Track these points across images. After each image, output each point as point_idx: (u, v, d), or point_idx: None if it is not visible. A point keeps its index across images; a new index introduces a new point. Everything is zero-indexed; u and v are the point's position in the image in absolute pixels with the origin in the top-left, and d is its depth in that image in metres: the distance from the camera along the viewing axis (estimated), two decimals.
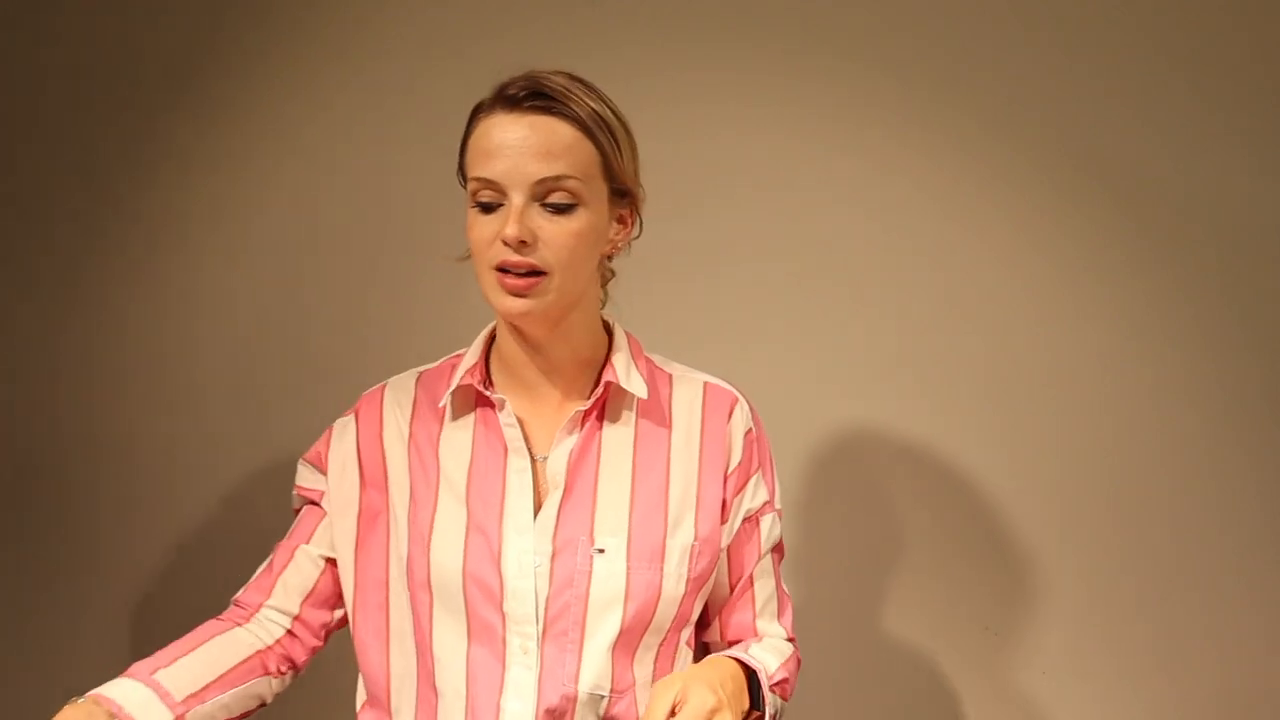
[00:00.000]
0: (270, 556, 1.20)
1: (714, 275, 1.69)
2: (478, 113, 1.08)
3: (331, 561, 1.17)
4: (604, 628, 1.08)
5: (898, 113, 1.66)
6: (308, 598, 1.17)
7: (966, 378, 1.66)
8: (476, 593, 1.08)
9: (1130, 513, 1.64)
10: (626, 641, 1.09)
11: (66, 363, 1.79)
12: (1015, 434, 1.66)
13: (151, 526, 1.78)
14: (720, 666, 1.08)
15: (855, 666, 1.69)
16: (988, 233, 1.66)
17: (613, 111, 1.09)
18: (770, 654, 1.16)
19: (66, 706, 1.01)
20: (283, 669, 1.16)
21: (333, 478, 1.17)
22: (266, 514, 1.74)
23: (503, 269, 1.04)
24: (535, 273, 1.04)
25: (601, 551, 1.09)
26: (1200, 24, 1.60)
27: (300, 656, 1.18)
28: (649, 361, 1.19)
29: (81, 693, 1.04)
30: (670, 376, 1.19)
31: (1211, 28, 1.60)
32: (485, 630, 1.09)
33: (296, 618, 1.17)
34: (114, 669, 1.08)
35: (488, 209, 1.05)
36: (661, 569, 1.10)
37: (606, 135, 1.07)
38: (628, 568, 1.09)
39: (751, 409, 1.19)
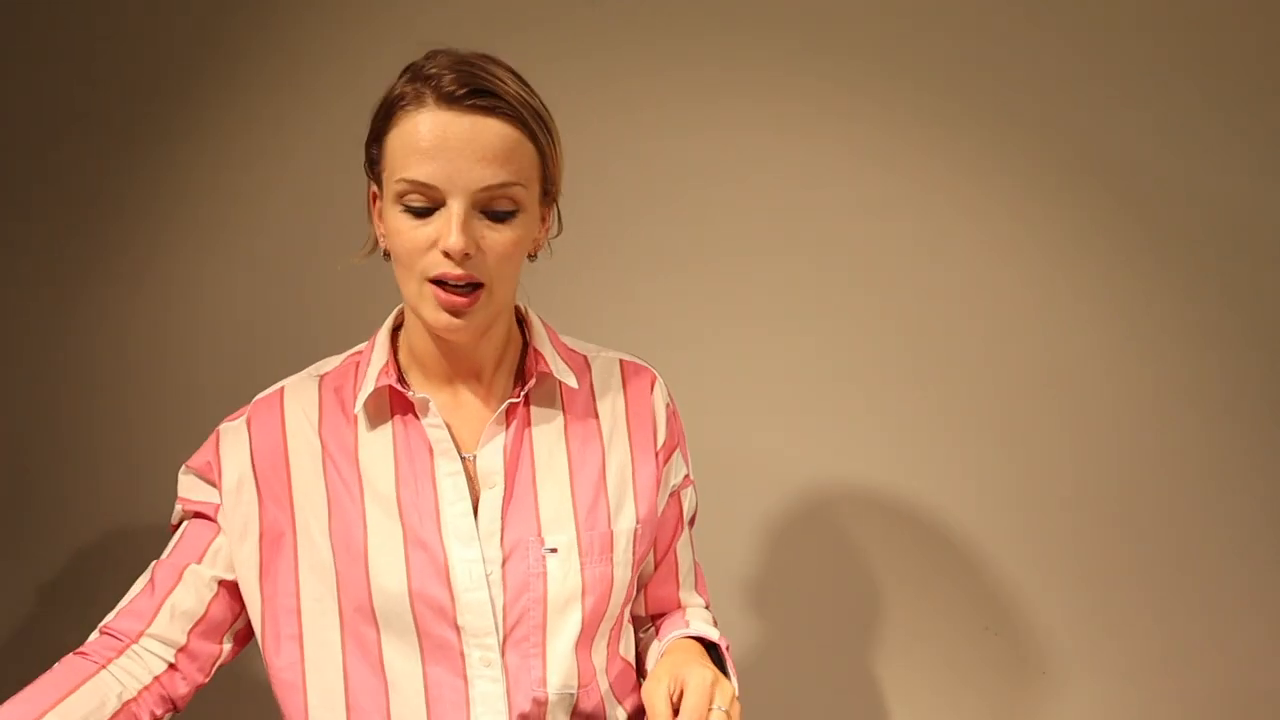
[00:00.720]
0: (148, 577, 1.05)
1: (712, 274, 1.69)
2: (400, 103, 0.97)
3: (226, 585, 1.05)
4: (565, 627, 1.04)
5: (898, 112, 1.66)
6: (196, 626, 1.03)
7: (966, 377, 1.66)
8: (426, 611, 1.01)
9: (1130, 512, 1.64)
10: (586, 636, 1.06)
11: (66, 366, 1.78)
12: (1015, 433, 1.66)
13: (151, 530, 1.77)
14: (689, 649, 1.06)
15: (854, 666, 1.69)
16: (988, 233, 1.66)
17: (541, 103, 1.00)
18: (708, 626, 1.15)
19: None
20: (158, 711, 1.02)
21: (228, 493, 1.04)
22: None
23: (439, 281, 0.96)
24: (473, 285, 0.96)
25: (554, 551, 1.04)
26: (1202, 23, 1.60)
27: (181, 692, 1.04)
28: (565, 346, 1.13)
29: None
30: (585, 358, 1.13)
31: (1213, 27, 1.60)
32: (440, 648, 1.02)
33: (182, 649, 1.03)
34: None
35: (419, 213, 0.96)
36: (611, 559, 1.06)
37: (545, 134, 0.99)
38: (581, 564, 1.05)
39: (665, 384, 1.16)
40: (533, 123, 0.98)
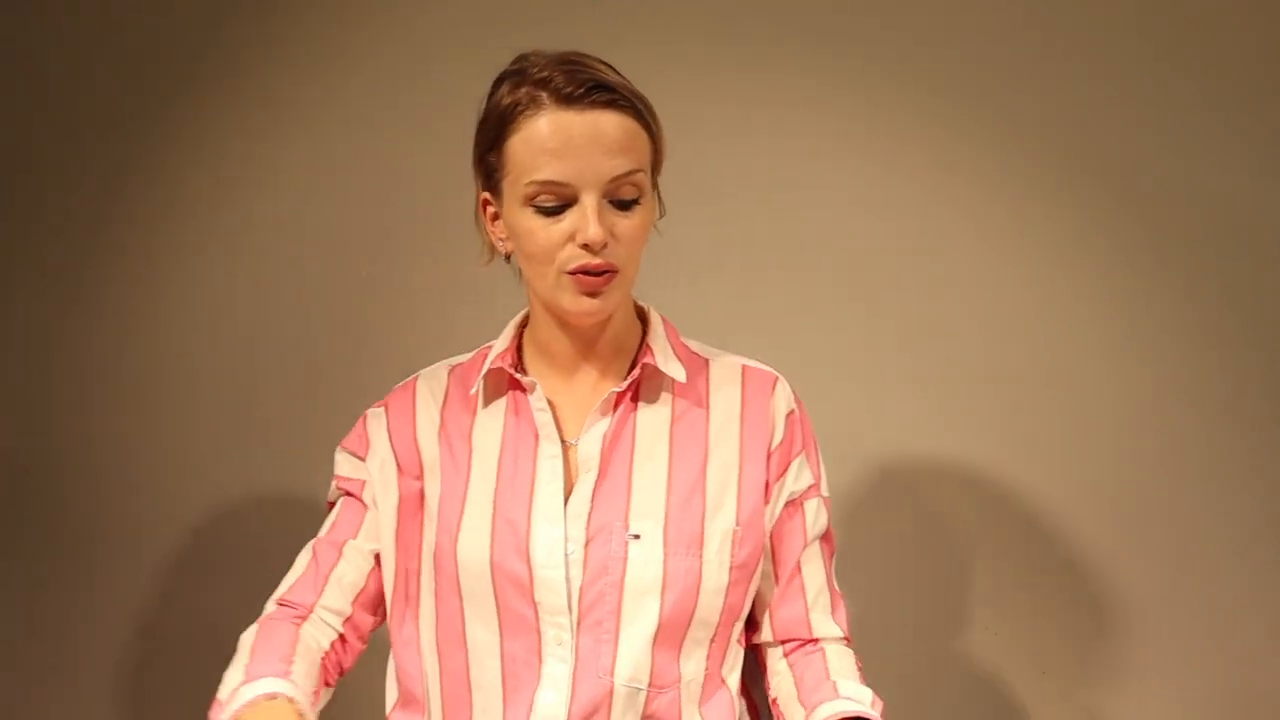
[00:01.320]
0: (310, 554, 1.13)
1: (712, 274, 1.69)
2: (515, 110, 1.02)
3: (378, 558, 1.12)
4: (641, 617, 1.04)
5: (898, 112, 1.66)
6: (358, 596, 1.11)
7: (965, 377, 1.66)
8: (506, 585, 1.05)
9: (1130, 512, 1.64)
10: (669, 634, 1.05)
11: (63, 370, 1.78)
12: (1015, 433, 1.66)
13: (149, 534, 1.77)
14: None
15: None
16: (988, 233, 1.66)
17: (640, 90, 1.06)
18: (853, 682, 1.09)
19: (263, 702, 0.96)
20: (332, 675, 1.10)
21: (372, 469, 1.13)
22: (265, 519, 1.74)
23: (578, 272, 1.01)
24: (610, 270, 1.02)
25: (637, 537, 1.04)
26: (1202, 23, 1.60)
27: (348, 663, 1.12)
28: (685, 346, 1.15)
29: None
30: (706, 360, 1.15)
31: (1213, 27, 1.60)
32: (518, 623, 1.05)
33: (348, 619, 1.11)
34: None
35: (550, 211, 1.01)
36: (701, 555, 1.05)
37: (652, 119, 1.05)
38: (665, 554, 1.04)
39: (793, 390, 1.15)
40: (643, 110, 1.04)
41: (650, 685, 1.05)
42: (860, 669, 1.15)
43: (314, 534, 1.16)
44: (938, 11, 1.64)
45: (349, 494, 1.15)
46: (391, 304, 1.74)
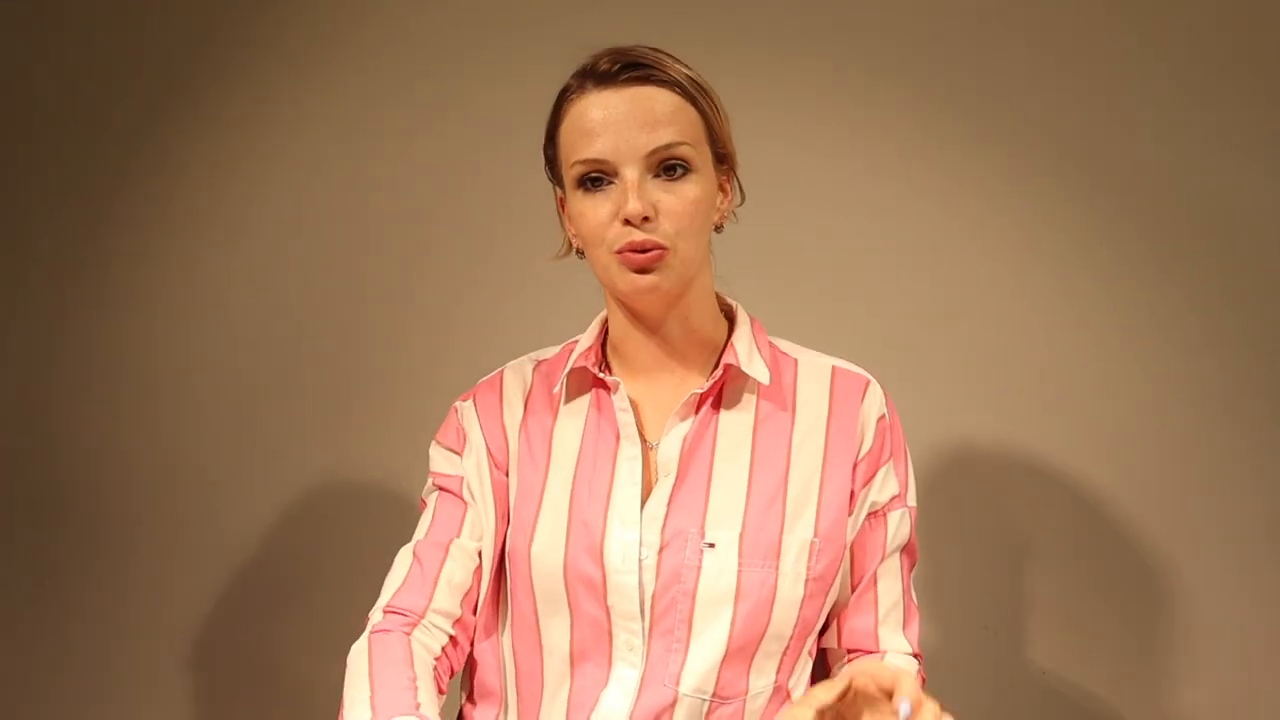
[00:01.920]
0: (410, 557, 1.08)
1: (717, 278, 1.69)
2: (564, 96, 1.04)
3: (482, 556, 1.08)
4: (713, 627, 1.01)
5: (898, 116, 1.66)
6: (465, 597, 1.07)
7: (965, 378, 1.66)
8: (579, 586, 1.03)
9: (1130, 512, 1.64)
10: (742, 646, 1.02)
11: (62, 370, 1.78)
12: (1014, 434, 1.66)
13: (148, 536, 1.77)
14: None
15: None
16: (987, 235, 1.66)
17: (698, 74, 1.06)
18: (907, 660, 1.09)
19: None
20: (444, 688, 1.05)
21: (468, 464, 1.10)
22: (265, 519, 1.74)
23: (627, 250, 0.99)
24: (657, 248, 1.00)
25: (712, 546, 1.02)
26: (1201, 26, 1.60)
27: (458, 666, 1.08)
28: (772, 345, 1.13)
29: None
30: (795, 361, 1.12)
31: (1213, 30, 1.60)
32: (591, 625, 1.03)
33: (458, 620, 1.07)
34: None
35: (596, 190, 1.01)
36: (777, 567, 1.02)
37: (705, 98, 1.04)
38: (740, 565, 1.02)
39: (886, 394, 1.11)
40: (690, 87, 1.03)
41: (714, 696, 1.03)
42: (922, 679, 1.10)
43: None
44: (939, 16, 1.64)
45: (446, 490, 1.11)
46: (390, 305, 1.74)
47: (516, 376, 1.14)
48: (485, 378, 1.16)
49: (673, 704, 1.02)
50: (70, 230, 1.78)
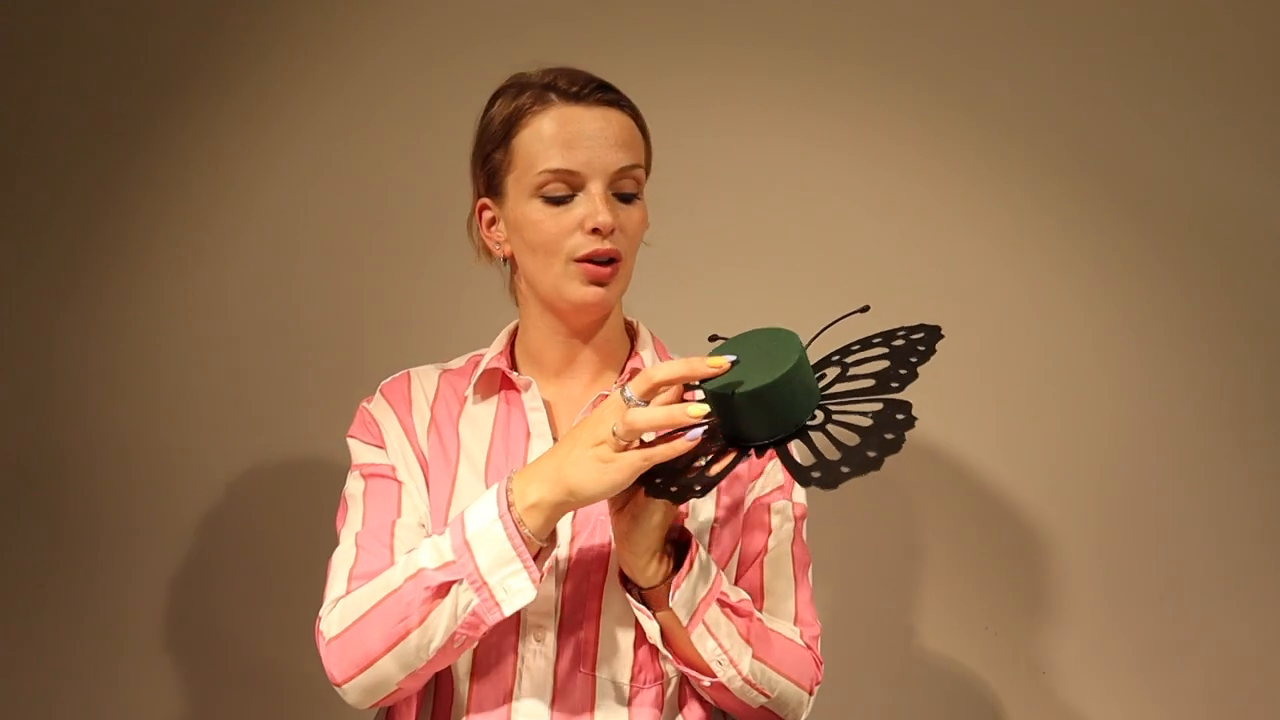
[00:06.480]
0: (353, 548, 1.06)
1: (713, 275, 1.69)
2: (523, 110, 1.06)
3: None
4: (622, 613, 1.05)
5: (900, 114, 1.66)
6: None
7: (966, 377, 1.66)
8: None
9: (1129, 512, 1.64)
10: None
11: (62, 369, 1.78)
12: (1015, 434, 1.66)
13: (148, 532, 1.77)
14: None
15: (853, 667, 1.69)
16: (988, 234, 1.66)
17: None
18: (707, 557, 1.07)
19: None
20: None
21: (391, 449, 1.12)
22: (265, 518, 1.74)
23: (587, 259, 1.04)
24: (613, 259, 1.05)
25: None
26: (1204, 25, 1.60)
27: None
28: (669, 355, 1.18)
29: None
30: None
31: (1215, 29, 1.60)
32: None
33: None
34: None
35: (559, 201, 1.05)
36: None
37: (647, 130, 1.11)
38: None
39: None
40: (639, 115, 1.10)
41: (631, 681, 1.05)
42: (800, 651, 1.09)
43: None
44: (943, 15, 1.64)
45: (376, 476, 1.11)
46: (388, 304, 1.74)
47: (423, 378, 1.16)
48: (387, 380, 1.17)
49: (592, 691, 1.04)
50: (71, 227, 1.78)
